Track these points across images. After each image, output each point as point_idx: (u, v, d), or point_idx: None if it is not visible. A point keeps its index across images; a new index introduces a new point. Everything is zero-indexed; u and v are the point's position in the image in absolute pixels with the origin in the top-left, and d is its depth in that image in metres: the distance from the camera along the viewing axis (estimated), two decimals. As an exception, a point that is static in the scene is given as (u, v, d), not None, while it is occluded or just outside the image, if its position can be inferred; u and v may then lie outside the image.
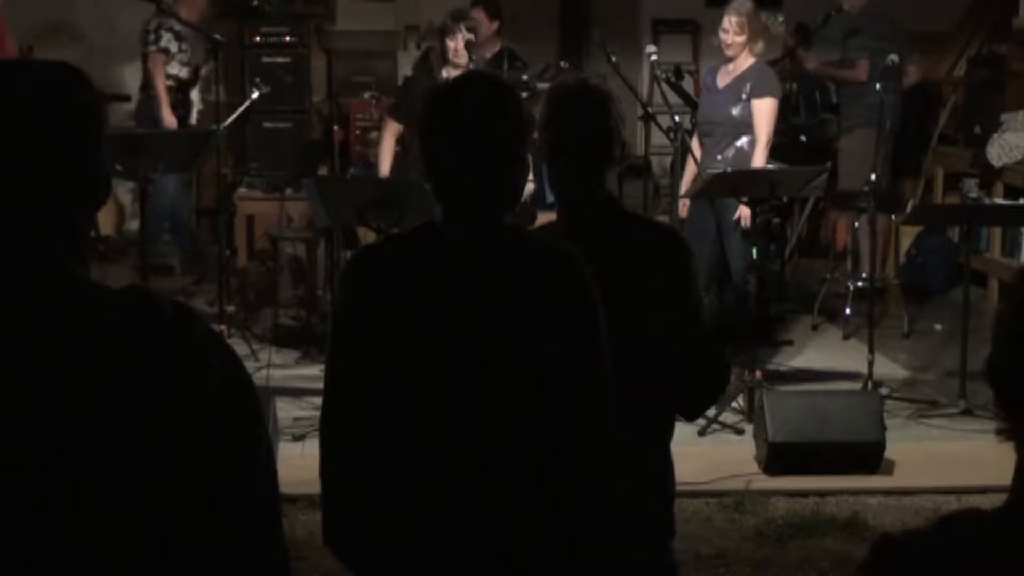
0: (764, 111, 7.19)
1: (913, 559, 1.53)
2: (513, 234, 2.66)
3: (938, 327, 8.34)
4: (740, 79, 7.20)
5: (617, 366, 2.60)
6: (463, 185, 2.59)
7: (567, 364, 2.53)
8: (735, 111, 7.17)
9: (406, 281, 2.56)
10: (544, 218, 7.44)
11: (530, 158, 2.72)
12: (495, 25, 8.63)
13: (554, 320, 2.53)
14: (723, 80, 7.26)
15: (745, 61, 7.21)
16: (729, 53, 7.19)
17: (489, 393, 2.52)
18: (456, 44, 7.26)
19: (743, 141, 7.16)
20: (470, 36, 7.27)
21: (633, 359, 3.04)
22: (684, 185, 7.21)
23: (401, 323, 2.53)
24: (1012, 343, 1.56)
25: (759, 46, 7.21)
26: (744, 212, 6.98)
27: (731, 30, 7.13)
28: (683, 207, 7.13)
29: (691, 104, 8.19)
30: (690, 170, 7.21)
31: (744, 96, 7.16)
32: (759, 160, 7.14)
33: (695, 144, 7.22)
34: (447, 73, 7.18)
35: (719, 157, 7.14)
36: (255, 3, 9.65)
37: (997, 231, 9.06)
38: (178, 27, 8.76)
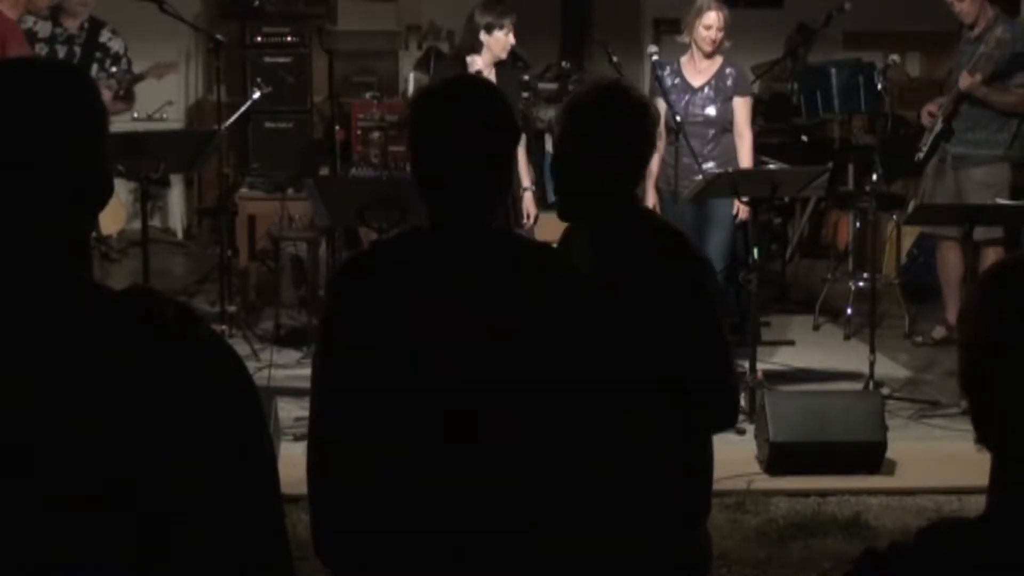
0: (747, 109, 7.25)
1: (894, 572, 1.53)
2: (501, 238, 2.65)
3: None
4: (719, 77, 7.19)
5: (632, 371, 2.58)
6: (451, 189, 2.57)
7: (558, 366, 2.52)
8: (712, 110, 7.17)
9: (394, 287, 2.53)
10: (545, 219, 7.45)
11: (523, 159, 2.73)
12: None
13: (543, 323, 2.52)
14: (697, 78, 7.21)
15: (718, 59, 7.21)
16: (709, 50, 7.12)
17: (483, 398, 2.48)
18: (508, 38, 6.94)
19: (726, 139, 7.17)
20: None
21: (647, 365, 3.04)
22: (651, 184, 7.09)
23: (389, 329, 2.50)
24: (977, 355, 1.54)
25: (728, 44, 7.19)
26: (742, 209, 6.95)
27: (715, 26, 7.09)
28: (651, 200, 7.02)
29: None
30: (655, 169, 6.90)
31: (727, 95, 7.16)
32: (748, 160, 7.16)
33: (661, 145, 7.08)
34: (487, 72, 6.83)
35: (704, 152, 7.06)
36: (256, 2, 9.64)
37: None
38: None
